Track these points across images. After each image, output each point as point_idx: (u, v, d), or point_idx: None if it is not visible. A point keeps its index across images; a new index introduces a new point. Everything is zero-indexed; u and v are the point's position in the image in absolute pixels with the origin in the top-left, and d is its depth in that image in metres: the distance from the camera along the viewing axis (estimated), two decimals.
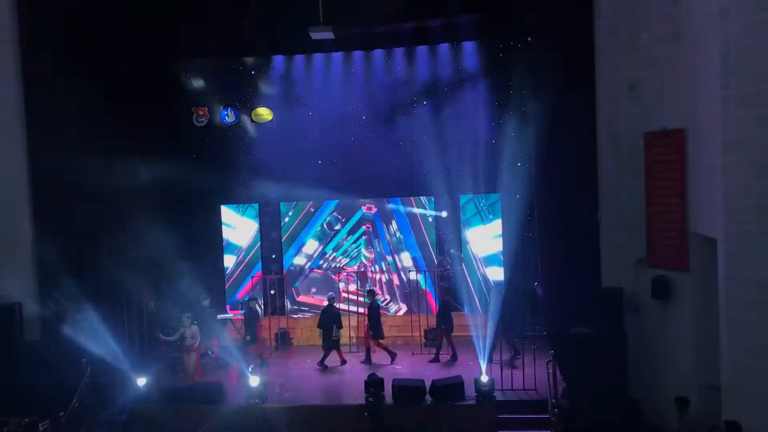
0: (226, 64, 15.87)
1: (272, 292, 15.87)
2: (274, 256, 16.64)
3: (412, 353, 14.54)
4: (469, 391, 11.88)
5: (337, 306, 14.79)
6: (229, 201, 16.55)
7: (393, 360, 14.15)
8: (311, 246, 16.51)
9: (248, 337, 14.13)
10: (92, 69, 12.46)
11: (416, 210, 16.17)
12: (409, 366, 13.95)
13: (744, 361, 8.73)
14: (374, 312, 14.30)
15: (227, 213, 16.57)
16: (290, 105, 16.11)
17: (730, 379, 8.96)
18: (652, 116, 10.73)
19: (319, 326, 14.44)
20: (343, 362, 14.28)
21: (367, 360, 14.26)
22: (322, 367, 14.12)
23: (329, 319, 14.25)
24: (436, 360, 14.09)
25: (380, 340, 14.32)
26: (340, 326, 14.27)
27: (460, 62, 15.53)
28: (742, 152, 8.61)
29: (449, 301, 14.58)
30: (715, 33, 8.91)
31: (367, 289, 15.21)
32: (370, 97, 15.95)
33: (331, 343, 14.23)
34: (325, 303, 14.64)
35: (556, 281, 12.40)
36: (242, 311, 15.15)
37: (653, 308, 10.93)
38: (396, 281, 16.24)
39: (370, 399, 11.81)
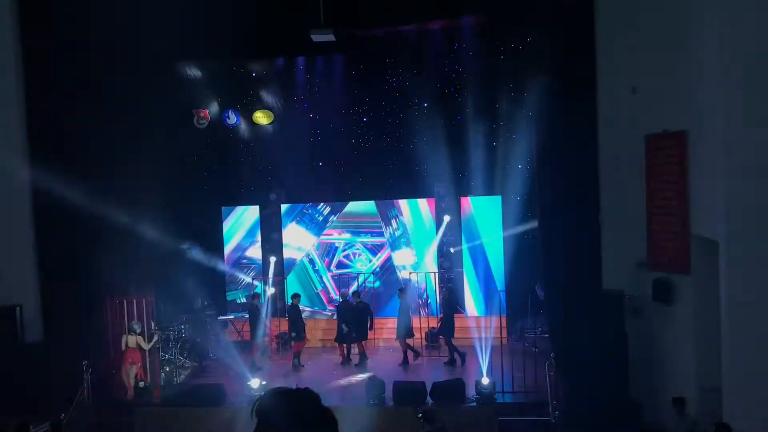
0: (228, 66, 15.86)
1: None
2: (275, 259, 16.64)
3: (414, 355, 14.50)
4: (470, 392, 11.88)
5: (351, 302, 14.75)
6: (229, 203, 16.55)
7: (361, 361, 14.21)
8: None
9: (293, 334, 14.17)
10: (93, 70, 12.47)
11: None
12: (411, 368, 13.96)
13: (744, 363, 8.74)
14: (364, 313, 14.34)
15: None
16: (291, 107, 16.12)
17: (731, 380, 8.97)
18: (653, 118, 10.74)
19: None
20: (345, 360, 14.31)
21: (362, 360, 14.26)
22: (347, 362, 14.23)
23: (343, 314, 14.32)
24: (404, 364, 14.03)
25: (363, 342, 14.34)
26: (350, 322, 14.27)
27: (461, 63, 15.53)
28: (743, 154, 8.63)
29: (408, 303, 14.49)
30: (716, 35, 8.93)
31: (352, 291, 15.19)
32: (371, 98, 15.95)
33: (341, 337, 14.26)
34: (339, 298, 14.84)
35: (557, 283, 12.41)
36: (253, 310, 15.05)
37: (654, 310, 10.94)
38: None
39: (371, 400, 11.82)
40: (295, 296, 14.66)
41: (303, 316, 14.65)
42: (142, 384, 12.52)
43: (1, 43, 12.22)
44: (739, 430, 8.28)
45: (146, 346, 12.76)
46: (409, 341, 14.18)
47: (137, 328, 12.74)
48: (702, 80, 9.46)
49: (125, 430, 11.74)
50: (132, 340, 12.65)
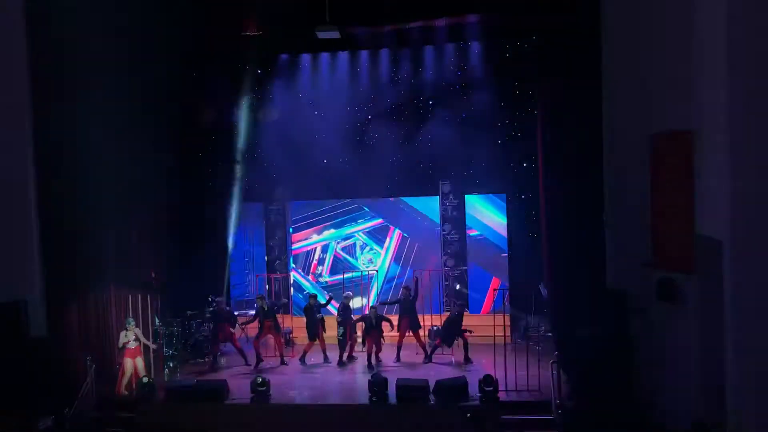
0: (233, 62, 15.88)
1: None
2: (280, 254, 16.64)
3: (417, 353, 14.52)
4: (473, 391, 11.88)
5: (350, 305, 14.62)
6: (234, 199, 16.55)
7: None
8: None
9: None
10: (99, 68, 12.52)
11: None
12: (414, 366, 13.96)
13: (749, 363, 8.70)
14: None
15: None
16: (296, 103, 16.12)
17: (736, 380, 8.93)
18: (659, 117, 10.69)
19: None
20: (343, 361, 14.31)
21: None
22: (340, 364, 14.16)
23: (343, 318, 14.31)
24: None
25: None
26: (339, 325, 14.20)
27: (467, 62, 15.52)
28: (749, 154, 8.59)
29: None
30: (722, 34, 8.89)
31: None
32: (376, 96, 15.95)
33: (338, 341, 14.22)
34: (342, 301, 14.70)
35: (561, 282, 12.40)
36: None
37: (658, 309, 10.90)
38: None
39: (374, 398, 11.84)
40: (312, 296, 14.63)
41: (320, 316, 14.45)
42: (145, 379, 12.56)
43: (6, 39, 12.23)
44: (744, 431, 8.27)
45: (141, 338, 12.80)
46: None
47: (131, 322, 12.76)
48: (708, 79, 9.41)
49: (128, 425, 11.78)
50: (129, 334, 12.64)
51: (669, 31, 10.44)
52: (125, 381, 12.57)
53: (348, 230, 16.40)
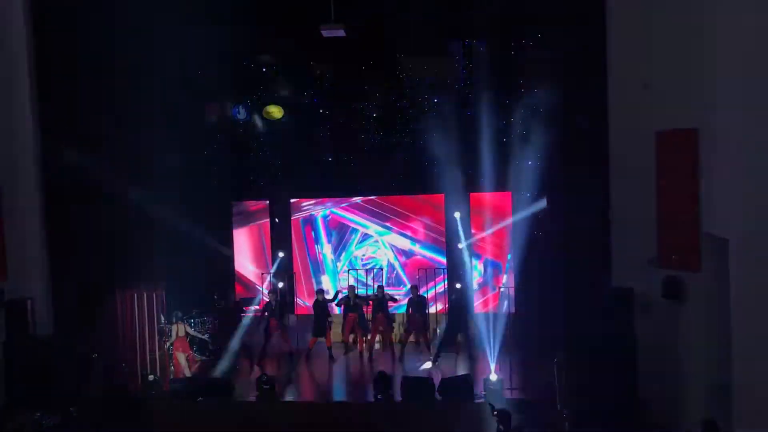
0: (238, 60, 15.86)
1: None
2: (281, 254, 16.63)
3: (421, 351, 14.53)
4: (478, 389, 11.88)
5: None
6: (239, 198, 16.56)
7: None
8: None
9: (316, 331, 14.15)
10: (102, 67, 12.53)
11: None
12: (419, 364, 13.96)
13: (755, 362, 8.69)
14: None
15: None
16: (301, 102, 16.10)
17: (742, 379, 8.91)
18: (664, 115, 10.66)
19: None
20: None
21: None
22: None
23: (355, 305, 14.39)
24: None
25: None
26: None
27: (471, 59, 15.48)
28: (754, 152, 8.56)
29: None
30: (729, 31, 8.86)
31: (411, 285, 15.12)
32: (381, 93, 15.92)
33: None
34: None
35: (566, 280, 12.37)
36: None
37: (664, 308, 10.88)
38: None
39: (379, 396, 11.86)
40: (319, 291, 14.63)
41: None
42: (151, 377, 12.60)
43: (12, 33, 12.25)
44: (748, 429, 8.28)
45: (190, 332, 13.25)
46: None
47: (179, 314, 13.19)
48: (715, 77, 9.38)
49: (134, 423, 11.80)
50: (180, 328, 13.02)
51: (675, 29, 10.41)
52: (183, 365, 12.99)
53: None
